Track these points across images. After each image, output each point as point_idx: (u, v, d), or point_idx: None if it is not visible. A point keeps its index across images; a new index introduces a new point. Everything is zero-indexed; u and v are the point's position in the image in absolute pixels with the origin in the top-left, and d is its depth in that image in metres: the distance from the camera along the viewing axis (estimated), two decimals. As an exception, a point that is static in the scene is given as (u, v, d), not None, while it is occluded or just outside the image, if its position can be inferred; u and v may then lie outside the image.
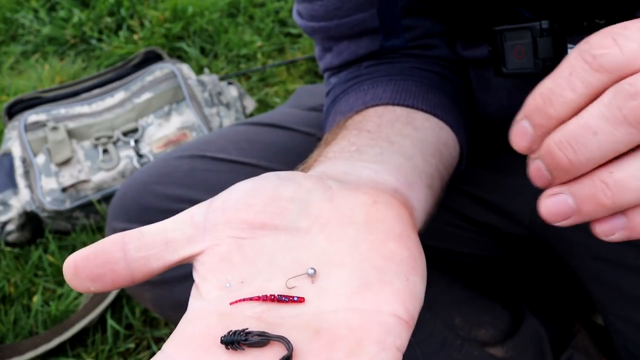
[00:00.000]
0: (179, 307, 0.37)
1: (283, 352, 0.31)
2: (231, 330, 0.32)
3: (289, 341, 0.31)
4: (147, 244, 0.36)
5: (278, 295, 0.34)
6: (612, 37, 0.29)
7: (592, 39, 0.30)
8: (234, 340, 0.31)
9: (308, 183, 0.39)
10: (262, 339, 0.31)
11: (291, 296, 0.33)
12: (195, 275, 0.36)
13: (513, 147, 0.33)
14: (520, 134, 0.32)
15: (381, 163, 0.46)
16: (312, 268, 0.34)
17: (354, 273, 0.34)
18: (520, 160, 0.71)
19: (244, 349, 0.31)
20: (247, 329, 0.32)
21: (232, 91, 1.39)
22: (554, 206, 0.32)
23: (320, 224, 0.37)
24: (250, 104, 1.41)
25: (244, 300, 0.34)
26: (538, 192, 0.70)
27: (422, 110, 0.57)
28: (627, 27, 0.29)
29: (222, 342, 0.32)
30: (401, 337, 0.32)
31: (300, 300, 0.33)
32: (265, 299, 0.34)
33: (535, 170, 0.32)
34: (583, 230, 0.65)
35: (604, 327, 0.69)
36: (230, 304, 0.34)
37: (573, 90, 0.30)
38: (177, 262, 0.36)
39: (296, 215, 0.37)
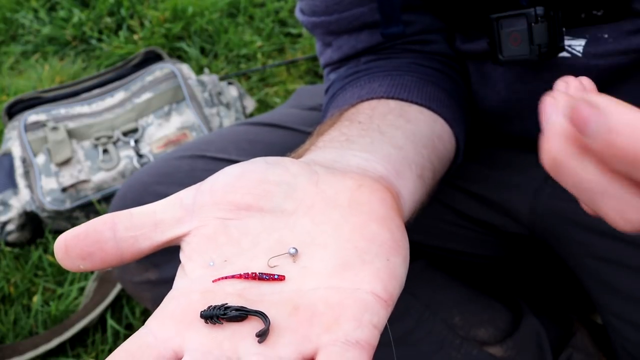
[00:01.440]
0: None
1: (261, 326, 0.32)
2: (211, 305, 0.33)
3: (267, 316, 0.32)
4: (136, 224, 0.36)
5: (259, 273, 0.34)
6: None
7: None
8: (213, 315, 0.32)
9: (295, 167, 0.39)
10: (240, 314, 0.32)
11: (272, 274, 0.34)
12: (181, 256, 0.37)
13: None
14: None
15: (370, 152, 0.47)
16: (293, 247, 0.35)
17: (336, 253, 0.35)
18: (519, 157, 0.71)
19: (222, 324, 0.32)
20: (226, 304, 0.33)
21: (232, 91, 1.39)
22: None
23: (305, 206, 0.38)
24: (250, 104, 1.41)
25: (226, 277, 0.34)
26: (537, 190, 0.70)
27: (416, 103, 0.58)
28: None
29: (201, 316, 0.32)
30: (379, 315, 0.33)
31: (281, 278, 0.34)
32: (246, 276, 0.34)
33: None
34: (582, 228, 0.66)
35: (604, 326, 0.69)
36: (213, 281, 0.34)
37: None
38: (165, 243, 0.37)
39: (282, 198, 0.38)
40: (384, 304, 0.33)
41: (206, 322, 0.32)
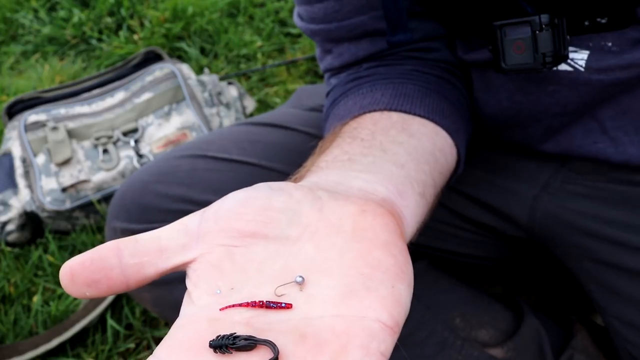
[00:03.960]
0: (179, 308, 0.37)
1: (270, 355, 0.32)
2: (219, 335, 0.33)
3: (275, 345, 0.32)
4: (141, 250, 0.36)
5: (266, 301, 0.34)
6: None
7: None
8: (222, 344, 0.32)
9: (298, 193, 0.40)
10: (249, 343, 0.32)
11: (279, 302, 0.34)
12: (187, 283, 0.37)
13: None
14: None
15: (373, 173, 0.47)
16: (300, 276, 0.35)
17: (341, 280, 0.35)
18: (519, 163, 0.71)
19: (231, 353, 0.32)
20: (235, 333, 0.33)
21: (232, 91, 1.39)
22: None
23: (309, 233, 0.38)
24: (250, 104, 1.41)
25: (233, 306, 0.34)
26: (536, 197, 0.70)
27: (419, 115, 0.57)
28: None
29: (210, 346, 0.32)
30: (385, 343, 0.33)
31: (288, 306, 0.34)
32: (254, 305, 0.34)
33: None
34: (581, 233, 0.66)
35: (604, 327, 0.69)
36: (220, 309, 0.34)
37: None
38: (170, 269, 0.37)
39: (286, 225, 0.38)
40: (390, 332, 0.33)
41: (215, 352, 0.32)
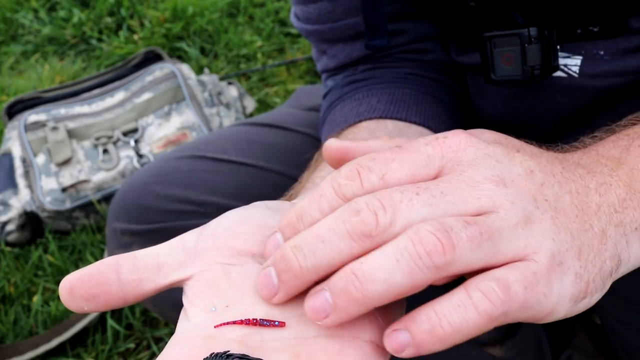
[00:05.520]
0: (179, 307, 0.37)
1: None
2: (213, 353, 0.33)
3: None
4: (139, 267, 0.37)
5: (260, 319, 0.34)
6: (357, 169, 0.34)
7: (343, 168, 0.34)
8: None
9: None
10: None
11: (272, 320, 0.34)
12: (184, 300, 0.37)
13: (265, 258, 0.36)
14: (272, 245, 0.35)
15: None
16: None
17: None
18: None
19: None
20: (228, 351, 0.33)
21: (232, 91, 1.39)
22: (315, 303, 0.32)
23: None
24: (250, 104, 1.41)
25: (227, 323, 0.35)
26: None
27: (414, 123, 0.58)
28: (374, 159, 0.34)
29: None
30: None
31: (282, 324, 0.34)
32: (247, 322, 0.34)
33: (264, 276, 0.34)
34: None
35: (602, 326, 0.69)
36: (215, 327, 0.35)
37: (320, 211, 0.34)
38: (168, 286, 0.37)
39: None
40: (382, 352, 0.34)
41: None
